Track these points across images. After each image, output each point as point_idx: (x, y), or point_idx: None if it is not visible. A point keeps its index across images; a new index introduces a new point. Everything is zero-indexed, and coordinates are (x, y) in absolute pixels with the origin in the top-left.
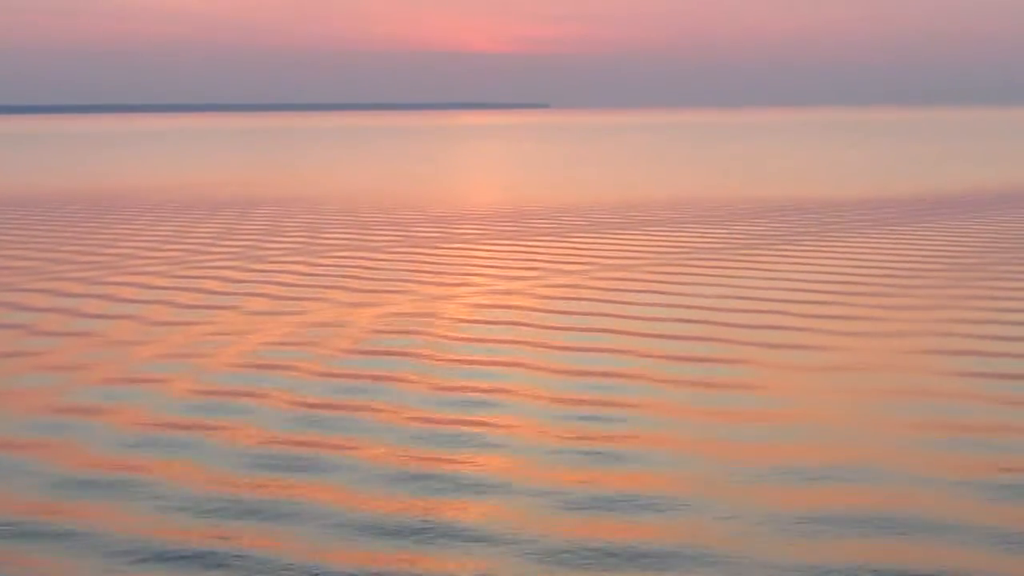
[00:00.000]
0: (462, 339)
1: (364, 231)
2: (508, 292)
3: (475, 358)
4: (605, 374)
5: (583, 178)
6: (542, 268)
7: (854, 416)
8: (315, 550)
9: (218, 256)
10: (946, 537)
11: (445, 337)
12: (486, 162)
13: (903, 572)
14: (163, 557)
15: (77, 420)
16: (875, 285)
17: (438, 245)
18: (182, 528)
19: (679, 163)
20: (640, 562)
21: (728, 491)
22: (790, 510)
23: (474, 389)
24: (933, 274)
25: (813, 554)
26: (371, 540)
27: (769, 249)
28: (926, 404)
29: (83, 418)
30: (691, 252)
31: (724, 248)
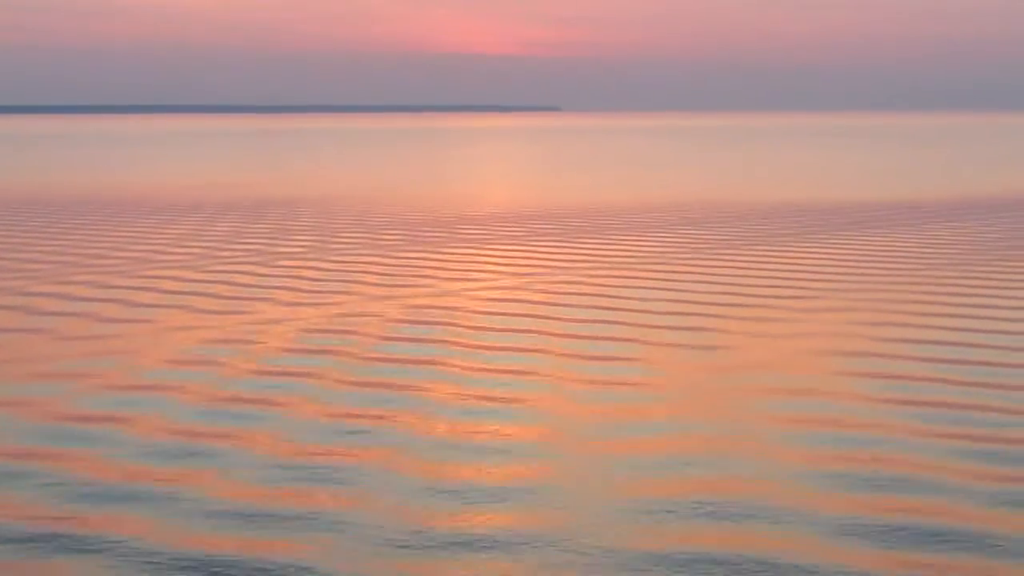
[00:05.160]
0: (479, 330)
1: (373, 232)
2: (515, 290)
3: (496, 349)
4: (612, 357)
5: (586, 182)
6: (546, 268)
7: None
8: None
9: (232, 256)
10: (786, 525)
11: (462, 328)
12: (493, 166)
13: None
14: (196, 566)
15: (134, 402)
16: (858, 284)
17: (445, 246)
18: (253, 492)
19: (682, 167)
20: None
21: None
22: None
23: (500, 379)
24: (898, 277)
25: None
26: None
27: (757, 249)
28: (820, 403)
29: (143, 398)
30: (686, 251)
31: (719, 248)
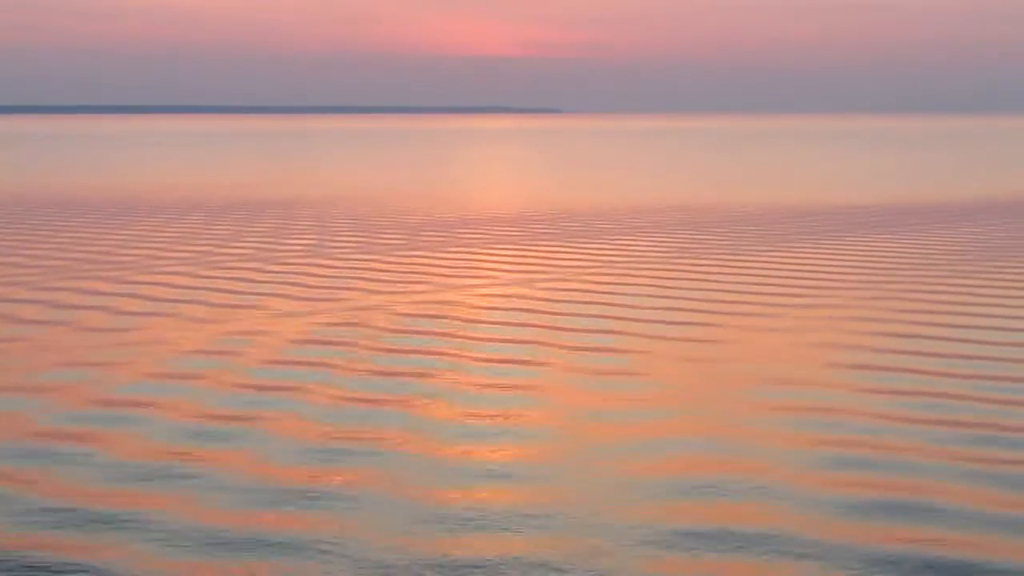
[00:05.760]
0: (479, 336)
1: (372, 234)
2: (512, 292)
3: (496, 358)
4: (615, 367)
5: (586, 184)
6: (547, 271)
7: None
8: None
9: (228, 260)
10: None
11: (461, 333)
12: (492, 168)
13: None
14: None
15: (120, 413)
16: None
17: (445, 248)
18: (234, 516)
19: (681, 169)
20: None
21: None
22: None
23: (500, 386)
24: (881, 282)
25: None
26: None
27: (757, 252)
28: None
29: (128, 411)
30: (686, 254)
31: (719, 251)
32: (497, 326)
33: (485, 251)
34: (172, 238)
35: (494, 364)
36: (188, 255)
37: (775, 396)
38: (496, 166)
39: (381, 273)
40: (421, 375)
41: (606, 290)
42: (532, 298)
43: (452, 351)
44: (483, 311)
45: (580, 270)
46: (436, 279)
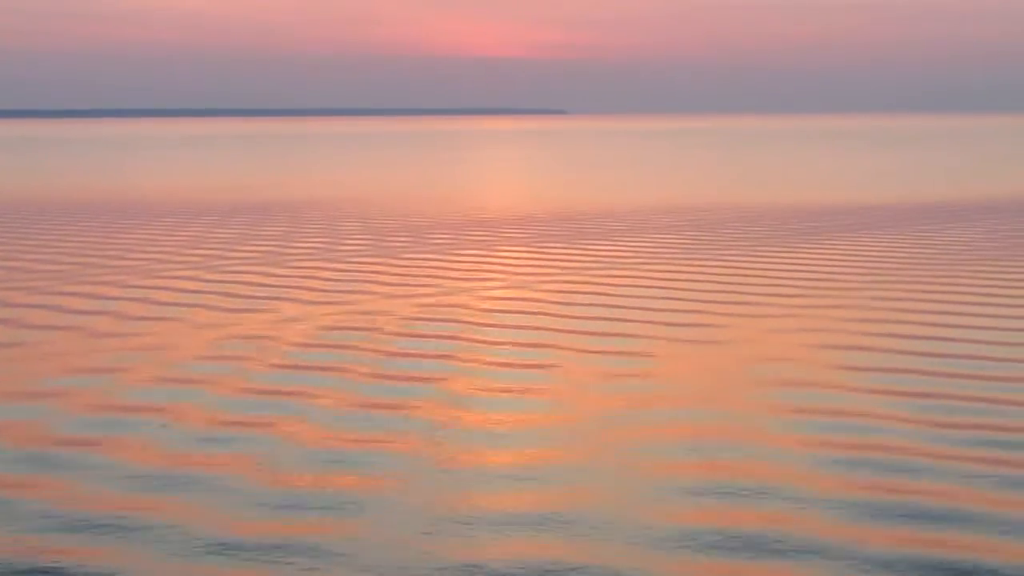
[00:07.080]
0: (492, 335)
1: (380, 236)
2: (522, 293)
3: (507, 348)
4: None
5: (592, 185)
6: (553, 270)
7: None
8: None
9: (242, 259)
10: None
11: (470, 335)
12: (498, 169)
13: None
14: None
15: (129, 418)
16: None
17: (452, 250)
18: (246, 523)
19: (685, 170)
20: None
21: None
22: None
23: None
24: (869, 282)
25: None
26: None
27: (758, 250)
28: (807, 394)
29: (136, 415)
30: (688, 253)
31: (720, 249)
32: (507, 327)
33: (494, 252)
34: (181, 241)
35: (505, 365)
36: (197, 258)
37: (780, 394)
38: (502, 167)
39: (390, 275)
40: (432, 377)
41: (615, 290)
42: (542, 298)
43: (463, 352)
44: (493, 312)
45: (589, 270)
46: (445, 280)
